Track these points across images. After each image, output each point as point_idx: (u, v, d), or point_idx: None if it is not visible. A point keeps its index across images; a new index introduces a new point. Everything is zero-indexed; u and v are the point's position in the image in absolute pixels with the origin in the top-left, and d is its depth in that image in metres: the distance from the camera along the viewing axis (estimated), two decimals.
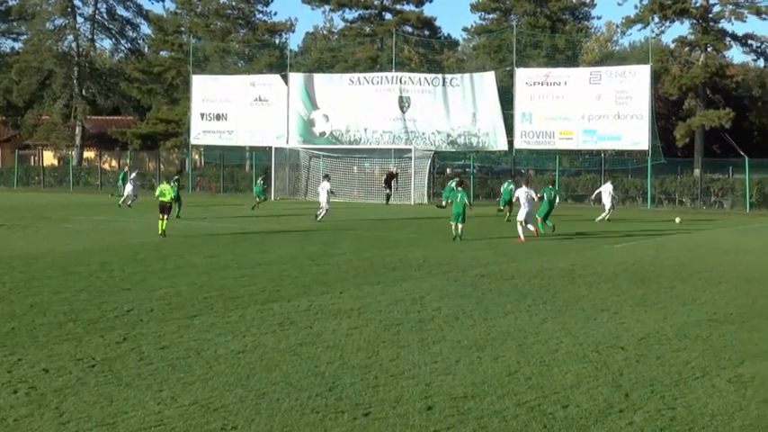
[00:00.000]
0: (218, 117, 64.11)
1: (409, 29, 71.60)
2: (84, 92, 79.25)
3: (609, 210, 39.41)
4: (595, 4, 72.54)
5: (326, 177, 40.04)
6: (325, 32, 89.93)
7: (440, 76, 60.16)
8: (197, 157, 73.01)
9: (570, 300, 16.62)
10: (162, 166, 71.27)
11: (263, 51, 71.19)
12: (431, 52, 70.76)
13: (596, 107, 53.95)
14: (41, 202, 51.58)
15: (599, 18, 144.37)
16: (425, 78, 59.61)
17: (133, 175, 47.58)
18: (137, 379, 10.48)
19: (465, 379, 10.65)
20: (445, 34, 76.33)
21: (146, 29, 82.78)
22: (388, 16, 72.58)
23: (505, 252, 25.34)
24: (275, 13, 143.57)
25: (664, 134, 59.14)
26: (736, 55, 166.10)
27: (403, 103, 59.02)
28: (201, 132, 64.97)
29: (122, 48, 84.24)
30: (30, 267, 20.47)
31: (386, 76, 60.13)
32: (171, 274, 19.67)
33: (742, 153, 56.12)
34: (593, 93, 54.14)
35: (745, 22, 63.74)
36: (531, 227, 29.52)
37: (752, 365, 11.56)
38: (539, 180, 52.49)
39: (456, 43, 79.97)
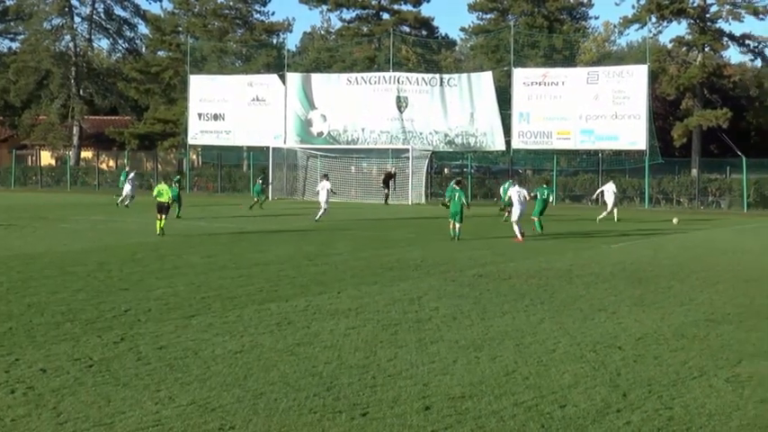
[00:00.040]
0: (216, 117, 64.10)
1: (407, 29, 71.63)
2: (81, 92, 79.20)
3: (611, 209, 39.48)
4: (593, 4, 72.67)
5: (326, 176, 40.10)
6: (322, 32, 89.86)
7: (437, 76, 60.19)
8: (194, 157, 73.00)
9: (568, 300, 16.63)
10: (159, 166, 71.27)
11: (261, 51, 71.18)
12: (428, 52, 70.76)
13: (594, 107, 54.00)
14: (39, 202, 51.56)
15: (596, 18, 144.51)
16: (423, 78, 59.64)
17: (131, 175, 47.51)
18: (134, 379, 10.47)
19: (463, 379, 10.65)
20: (443, 34, 76.35)
21: (143, 29, 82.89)
22: (385, 16, 72.60)
23: (503, 252, 25.35)
24: (273, 13, 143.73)
25: (661, 134, 59.17)
26: (733, 55, 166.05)
27: (400, 103, 59.04)
28: (199, 132, 64.97)
29: (120, 48, 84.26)
30: (27, 267, 20.46)
31: (383, 76, 60.15)
32: (169, 274, 19.66)
33: (739, 153, 56.15)
34: (591, 93, 54.19)
35: (743, 22, 63.96)
36: (518, 231, 29.34)
37: (749, 365, 11.57)
38: (536, 180, 52.48)
39: (453, 43, 80.00)
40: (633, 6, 64.60)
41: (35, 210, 42.60)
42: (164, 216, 29.65)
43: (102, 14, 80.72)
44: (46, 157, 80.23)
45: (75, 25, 79.75)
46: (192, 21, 76.08)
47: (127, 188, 45.53)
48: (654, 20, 63.49)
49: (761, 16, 62.05)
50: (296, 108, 61.75)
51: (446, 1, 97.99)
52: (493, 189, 53.68)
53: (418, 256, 23.88)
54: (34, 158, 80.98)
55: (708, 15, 63.59)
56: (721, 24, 64.16)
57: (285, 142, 61.08)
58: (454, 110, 58.00)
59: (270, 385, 10.25)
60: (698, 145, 63.47)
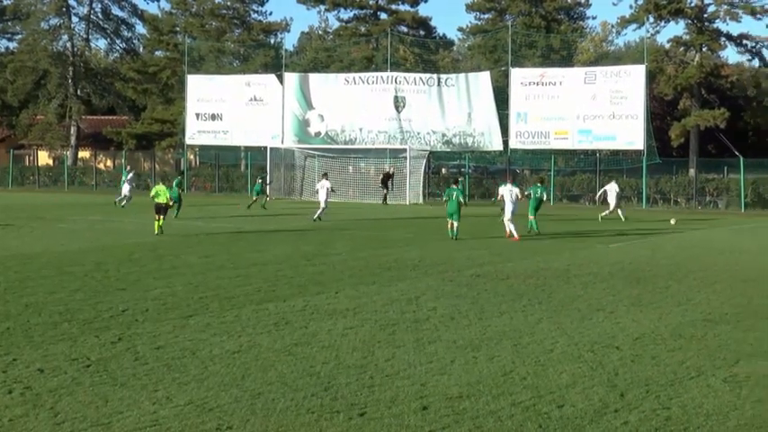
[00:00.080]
0: (214, 117, 64.08)
1: (404, 29, 71.66)
2: (79, 92, 79.17)
3: (614, 209, 39.64)
4: (590, 4, 72.71)
5: (325, 175, 40.22)
6: (320, 32, 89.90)
7: (435, 76, 60.21)
8: (192, 157, 72.98)
9: (566, 300, 16.63)
10: (157, 166, 71.26)
11: (259, 51, 71.18)
12: (426, 52, 70.79)
13: (591, 107, 54.04)
14: (36, 201, 51.53)
15: (594, 18, 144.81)
16: (421, 78, 59.65)
17: (130, 175, 47.45)
18: (132, 379, 10.47)
19: (460, 379, 10.65)
20: (440, 34, 76.46)
21: (141, 29, 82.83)
22: (383, 16, 72.60)
23: (501, 252, 25.36)
24: (270, 13, 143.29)
25: (659, 134, 59.21)
26: (730, 55, 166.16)
27: (398, 103, 59.06)
28: (197, 132, 64.96)
29: (117, 47, 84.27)
30: (25, 267, 20.45)
31: (381, 76, 60.15)
32: (166, 274, 19.66)
33: (737, 153, 56.21)
34: (589, 93, 54.23)
35: (740, 22, 64.09)
36: (513, 229, 29.35)
37: (747, 365, 11.58)
38: (533, 180, 52.44)
39: (451, 43, 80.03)
40: (631, 6, 64.88)
41: (32, 210, 42.58)
42: (162, 216, 29.65)
43: (99, 14, 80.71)
44: (43, 157, 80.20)
45: (72, 25, 79.75)
46: (189, 21, 76.07)
47: (125, 188, 45.52)
48: (651, 20, 63.59)
49: (758, 16, 62.18)
50: (293, 108, 61.75)
51: (444, 1, 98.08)
52: (491, 189, 53.66)
53: (416, 256, 23.89)
54: (32, 158, 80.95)
55: (705, 15, 63.66)
56: (719, 24, 64.34)
57: (283, 142, 61.09)
58: (452, 110, 58.02)
59: (267, 385, 10.24)
60: (695, 145, 63.53)
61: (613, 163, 57.74)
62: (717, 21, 63.76)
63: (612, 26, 76.42)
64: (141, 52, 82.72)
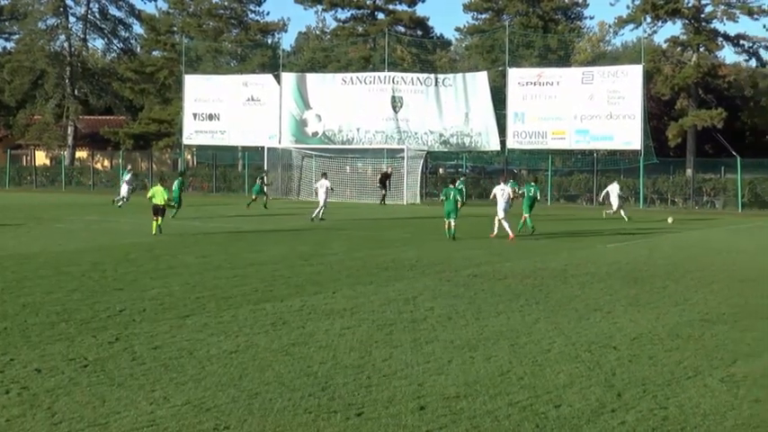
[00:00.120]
0: (211, 117, 64.07)
1: (402, 29, 71.64)
2: (76, 92, 79.14)
3: (617, 209, 39.78)
4: (588, 4, 72.71)
5: (324, 175, 40.32)
6: (317, 32, 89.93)
7: (432, 75, 60.23)
8: (189, 157, 72.95)
9: (563, 300, 16.64)
10: (154, 166, 71.23)
11: (256, 51, 71.16)
12: (423, 52, 70.81)
13: (589, 107, 54.06)
14: (33, 201, 51.50)
15: (591, 18, 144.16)
16: (418, 78, 59.66)
17: (128, 176, 47.38)
18: (129, 379, 10.46)
19: (457, 379, 10.66)
20: (438, 34, 76.45)
21: (138, 29, 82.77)
22: (380, 16, 72.59)
23: (498, 252, 25.37)
24: (268, 13, 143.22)
25: (656, 134, 59.26)
26: (728, 55, 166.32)
27: (395, 103, 59.06)
28: (194, 132, 64.94)
29: (115, 47, 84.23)
30: (22, 267, 20.43)
31: (378, 76, 60.16)
32: (163, 274, 19.65)
33: (734, 153, 56.27)
34: (586, 93, 54.25)
35: (737, 22, 64.14)
36: (507, 228, 29.38)
37: (744, 365, 11.59)
38: (527, 179, 52.50)
39: (448, 43, 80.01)
40: (628, 6, 64.81)
41: (30, 210, 42.55)
42: (159, 218, 29.63)
43: (96, 14, 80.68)
44: (41, 157, 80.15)
45: (69, 25, 79.72)
46: (186, 21, 76.03)
47: (124, 189, 45.54)
48: (649, 20, 63.61)
49: (755, 16, 62.21)
50: (291, 108, 61.75)
51: (441, 1, 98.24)
52: (488, 189, 53.58)
53: (413, 255, 23.89)
54: (29, 158, 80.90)
55: (702, 15, 63.71)
56: (716, 24, 64.39)
57: (280, 142, 61.08)
58: (449, 110, 58.03)
59: (265, 385, 10.24)
60: (693, 145, 63.58)
61: (611, 163, 57.77)
62: (714, 21, 63.84)
63: (610, 26, 76.33)
64: (138, 52, 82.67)
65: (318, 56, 72.42)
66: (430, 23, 74.30)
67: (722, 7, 62.51)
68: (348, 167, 59.08)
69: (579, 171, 58.59)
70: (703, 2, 63.48)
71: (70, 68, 78.48)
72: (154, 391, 9.98)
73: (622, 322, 14.42)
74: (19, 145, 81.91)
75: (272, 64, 65.91)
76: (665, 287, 18.53)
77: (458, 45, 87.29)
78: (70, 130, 78.53)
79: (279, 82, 61.98)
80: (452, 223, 28.90)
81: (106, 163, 77.60)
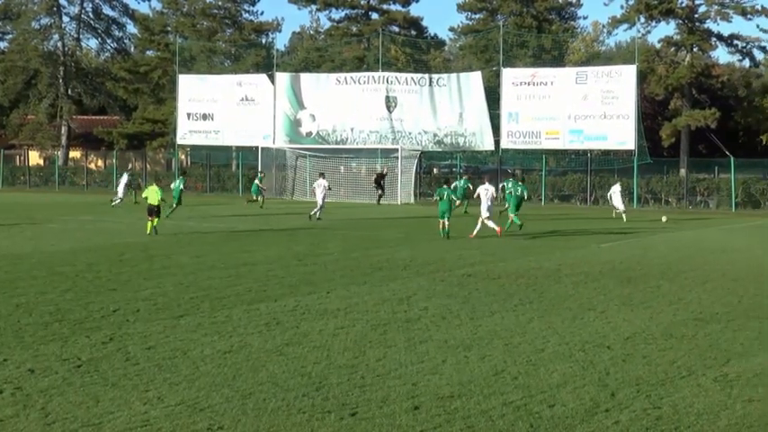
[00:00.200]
0: (205, 117, 63.99)
1: (396, 29, 71.63)
2: (69, 91, 79.02)
3: (622, 209, 40.00)
4: (581, 5, 72.87)
5: (322, 175, 40.61)
6: (311, 32, 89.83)
7: (426, 75, 60.19)
8: (183, 157, 72.88)
9: (557, 299, 16.65)
10: (148, 166, 71.14)
11: (250, 51, 71.12)
12: (417, 52, 70.77)
13: (582, 107, 54.08)
14: (27, 201, 51.41)
15: (585, 18, 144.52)
16: (412, 78, 59.63)
17: (125, 178, 47.29)
18: (123, 379, 10.45)
19: (451, 378, 10.66)
20: (432, 34, 76.36)
21: (132, 28, 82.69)
22: (374, 16, 72.59)
23: (492, 252, 25.38)
24: (262, 13, 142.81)
25: (650, 134, 59.28)
26: (721, 55, 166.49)
27: (390, 103, 59.03)
28: (188, 132, 64.87)
29: (108, 47, 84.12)
30: (15, 267, 20.40)
31: (372, 76, 60.13)
32: (157, 274, 19.63)
33: (727, 153, 56.33)
34: (580, 93, 54.27)
35: (731, 22, 64.08)
36: (493, 224, 29.44)
37: (737, 364, 11.61)
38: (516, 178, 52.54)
39: (443, 43, 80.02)
40: (622, 6, 64.88)
41: (23, 210, 42.47)
42: (155, 218, 29.60)
43: (90, 14, 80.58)
44: (34, 157, 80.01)
45: (63, 25, 79.58)
46: (180, 20, 75.95)
47: (120, 190, 45.61)
48: (642, 20, 63.67)
49: (749, 16, 62.30)
50: (285, 108, 61.71)
51: (435, 1, 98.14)
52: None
53: (407, 255, 23.89)
54: (22, 158, 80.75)
55: (696, 15, 63.79)
56: (709, 24, 64.49)
57: (274, 142, 61.03)
58: (443, 110, 58.02)
59: (259, 385, 10.24)
60: (686, 145, 63.64)
61: (604, 163, 57.84)
62: (707, 21, 63.94)
63: (603, 26, 76.55)
64: (132, 52, 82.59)
65: (312, 56, 72.37)
66: (424, 23, 74.39)
67: (716, 7, 62.59)
68: (342, 167, 59.04)
69: (573, 171, 58.63)
70: (697, 2, 63.58)
71: (64, 68, 78.36)
72: (148, 391, 9.97)
73: (616, 322, 14.44)
74: (12, 145, 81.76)
75: (266, 64, 65.86)
76: (658, 286, 18.55)
77: (452, 45, 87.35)
78: (64, 129, 78.42)
79: (273, 82, 61.92)
80: (446, 223, 28.98)
81: (100, 163, 77.46)
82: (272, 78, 62.17)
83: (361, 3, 71.83)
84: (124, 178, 47.16)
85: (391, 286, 18.10)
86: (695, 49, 64.50)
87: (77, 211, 41.46)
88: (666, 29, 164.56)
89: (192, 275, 19.32)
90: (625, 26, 65.17)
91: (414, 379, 10.60)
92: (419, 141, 58.58)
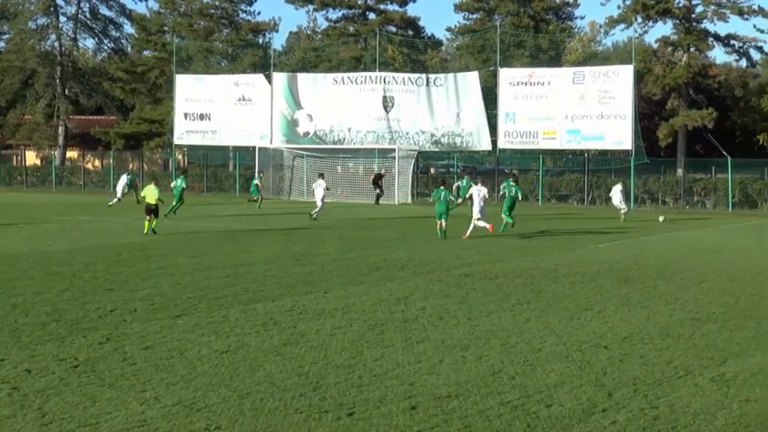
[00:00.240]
0: (202, 117, 63.94)
1: (393, 29, 71.60)
2: (66, 91, 78.92)
3: (624, 208, 39.94)
4: (579, 4, 72.77)
5: (321, 176, 40.76)
6: (308, 32, 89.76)
7: (424, 75, 60.17)
8: (180, 157, 72.82)
9: (554, 299, 16.66)
10: (145, 166, 71.10)
11: (247, 51, 71.05)
12: (414, 52, 70.76)
13: (580, 107, 54.08)
14: (24, 201, 51.36)
15: (582, 18, 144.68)
16: (409, 78, 59.62)
17: (124, 178, 47.23)
18: (120, 379, 10.45)
19: (449, 378, 10.66)
20: (429, 34, 76.40)
21: (129, 28, 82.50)
22: (371, 16, 72.53)
23: (489, 252, 25.39)
24: (259, 13, 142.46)
25: (647, 134, 59.33)
26: (718, 55, 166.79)
27: (387, 103, 59.01)
28: (185, 132, 64.81)
29: (105, 47, 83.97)
30: (12, 267, 20.39)
31: (370, 76, 60.12)
32: (154, 274, 19.62)
33: (724, 153, 56.38)
34: (577, 93, 54.27)
35: (728, 22, 64.24)
36: (484, 223, 29.43)
37: (734, 364, 11.62)
38: (521, 180, 52.58)
39: (440, 43, 79.99)
40: (619, 6, 64.96)
41: (20, 210, 42.42)
42: (153, 218, 29.58)
43: (87, 14, 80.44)
44: (31, 157, 79.91)
45: (60, 25, 79.47)
46: (177, 20, 75.88)
47: (119, 190, 45.60)
48: (639, 20, 63.68)
49: (746, 16, 62.34)
50: (282, 108, 61.68)
51: (432, 1, 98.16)
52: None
53: (405, 255, 23.89)
54: (19, 158, 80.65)
55: (693, 15, 63.83)
56: (706, 24, 64.50)
57: (271, 142, 61.01)
58: (440, 110, 58.01)
59: (256, 385, 10.24)
60: (683, 145, 63.69)
61: (602, 163, 57.83)
62: (704, 21, 63.96)
63: (601, 26, 76.42)
64: (129, 52, 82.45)
65: (309, 56, 72.33)
66: (421, 23, 74.38)
67: (712, 7, 62.63)
68: (339, 167, 59.04)
69: (570, 171, 58.64)
70: (694, 2, 63.62)
71: (61, 68, 78.26)
72: (145, 391, 9.96)
73: (613, 322, 14.45)
74: (9, 145, 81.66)
75: (263, 64, 65.81)
76: (655, 286, 18.57)
77: (449, 45, 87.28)
78: (61, 129, 78.32)
79: (270, 82, 61.89)
80: (444, 223, 28.99)
81: (97, 163, 77.39)
82: (269, 78, 62.13)
83: (359, 3, 71.79)
84: (123, 178, 47.10)
85: (388, 286, 18.10)
86: (692, 49, 64.54)
87: (74, 211, 41.43)
88: (663, 29, 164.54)
89: (190, 275, 19.31)
90: (622, 26, 65.25)
91: (411, 379, 10.60)
92: (416, 141, 58.58)
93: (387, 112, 58.98)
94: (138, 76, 76.53)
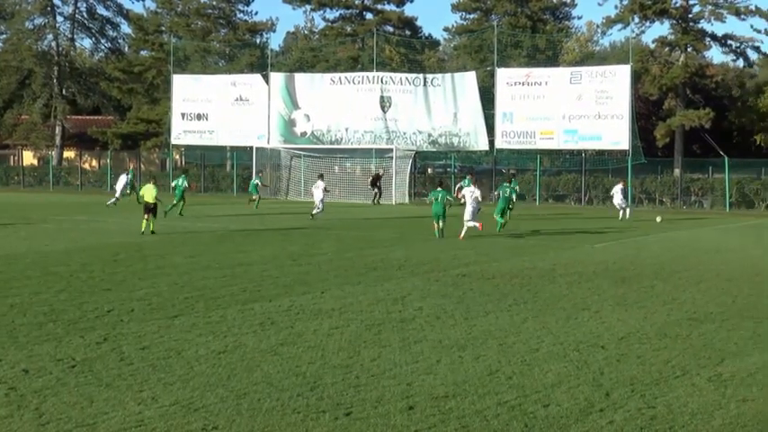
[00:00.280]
0: (199, 117, 63.89)
1: (390, 29, 71.58)
2: (64, 91, 78.84)
3: (626, 208, 39.92)
4: (576, 4, 72.84)
5: (321, 176, 40.81)
6: (306, 32, 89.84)
7: (421, 75, 60.14)
8: (178, 157, 72.78)
9: (551, 299, 16.66)
10: (142, 166, 71.05)
11: (244, 51, 71.03)
12: (412, 52, 70.77)
13: (577, 107, 54.06)
14: (21, 201, 51.32)
15: (579, 18, 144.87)
16: (406, 78, 59.60)
17: (123, 177, 47.21)
18: (117, 379, 10.44)
19: (446, 378, 10.66)
20: (426, 34, 76.36)
21: (126, 28, 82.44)
22: (369, 16, 72.54)
23: (486, 252, 25.39)
24: (256, 13, 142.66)
25: (644, 134, 59.34)
26: (715, 55, 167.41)
27: (384, 103, 58.99)
28: (182, 132, 64.76)
29: (102, 47, 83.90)
30: (9, 268, 20.37)
31: (367, 76, 60.10)
32: (152, 274, 19.61)
33: (722, 153, 56.41)
34: (574, 93, 54.25)
35: (725, 22, 64.15)
36: (474, 223, 29.40)
37: (731, 364, 11.63)
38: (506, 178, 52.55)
39: (437, 43, 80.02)
40: (616, 6, 64.89)
41: (17, 210, 42.38)
42: (152, 218, 29.56)
43: (84, 14, 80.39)
44: (28, 157, 79.85)
45: (57, 24, 79.37)
46: (175, 20, 75.83)
47: (118, 190, 45.61)
48: (636, 20, 63.74)
49: (742, 16, 62.37)
50: (279, 108, 61.64)
51: (429, 1, 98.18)
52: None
53: (402, 255, 23.89)
54: (16, 158, 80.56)
55: (690, 16, 63.88)
56: (703, 25, 64.60)
57: (269, 142, 60.97)
58: (438, 110, 57.99)
59: (253, 385, 10.23)
60: (680, 145, 63.73)
61: (599, 163, 57.85)
62: (701, 21, 64.05)
63: (598, 26, 76.71)
64: (126, 52, 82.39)
65: (307, 56, 72.30)
66: (418, 23, 74.41)
67: (710, 7, 62.67)
68: (337, 167, 59.02)
69: (567, 171, 58.62)
70: (691, 2, 63.67)
71: (58, 68, 78.19)
72: (142, 391, 9.96)
73: (610, 321, 14.46)
74: (6, 145, 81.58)
75: (261, 64, 65.77)
76: (652, 286, 18.57)
77: (446, 45, 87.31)
78: (58, 129, 78.25)
79: (267, 82, 61.84)
80: (440, 224, 29.02)
81: (94, 163, 77.32)
82: (266, 78, 62.09)
83: (356, 3, 71.79)
84: (123, 178, 47.09)
85: (386, 286, 18.10)
86: (689, 49, 64.58)
87: (72, 211, 41.40)
88: (660, 29, 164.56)
89: (187, 275, 19.31)
90: (619, 26, 65.28)
91: (408, 379, 10.61)
92: (414, 141, 58.56)
93: (384, 112, 58.95)
94: (135, 76, 76.51)
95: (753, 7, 62.49)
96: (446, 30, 76.37)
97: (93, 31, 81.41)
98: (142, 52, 79.60)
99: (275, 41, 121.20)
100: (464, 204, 30.32)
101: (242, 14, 76.17)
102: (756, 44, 65.06)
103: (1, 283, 17.81)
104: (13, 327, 13.42)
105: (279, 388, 10.12)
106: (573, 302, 16.32)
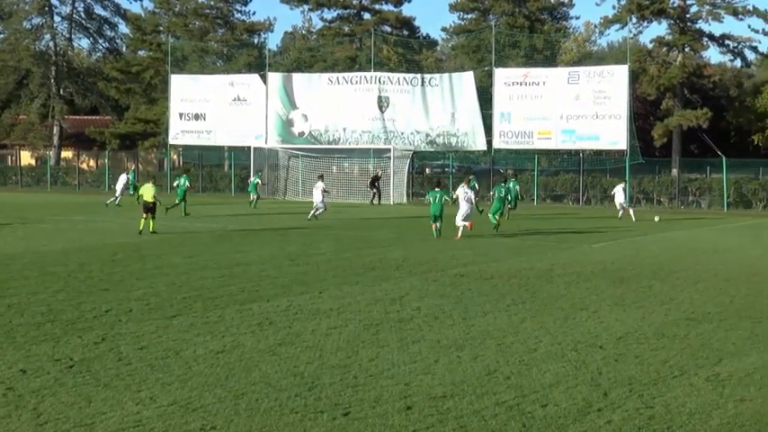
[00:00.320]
0: (197, 117, 63.87)
1: (388, 29, 71.59)
2: (61, 91, 78.79)
3: (627, 208, 39.93)
4: (574, 4, 72.83)
5: (320, 177, 40.89)
6: (303, 32, 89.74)
7: (419, 75, 60.15)
8: (175, 157, 72.76)
9: (549, 299, 16.67)
10: (140, 166, 71.01)
11: (242, 51, 71.03)
12: (410, 52, 70.75)
13: (575, 107, 54.09)
14: (18, 201, 51.27)
15: (577, 18, 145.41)
16: (404, 78, 59.60)
17: (123, 177, 47.19)
18: (115, 379, 10.44)
19: (444, 378, 10.66)
20: (424, 34, 76.34)
21: (124, 28, 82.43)
22: (366, 16, 72.53)
23: (485, 252, 25.39)
24: (254, 13, 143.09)
25: (642, 134, 59.36)
26: (713, 55, 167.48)
27: (382, 103, 58.99)
28: (180, 132, 64.75)
29: (100, 47, 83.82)
30: (7, 268, 20.35)
31: (365, 76, 60.10)
32: (150, 274, 19.60)
33: (719, 153, 56.43)
34: (572, 93, 54.28)
35: (722, 22, 64.34)
36: (464, 222, 29.35)
37: (729, 364, 11.64)
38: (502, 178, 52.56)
39: (435, 43, 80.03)
40: (614, 6, 64.96)
41: (15, 210, 42.35)
42: (150, 215, 29.55)
43: (82, 14, 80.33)
44: (26, 157, 79.79)
45: (55, 24, 79.33)
46: (172, 20, 75.80)
47: (118, 190, 45.60)
48: (634, 20, 63.77)
49: (740, 16, 62.40)
50: (277, 108, 61.63)
51: (427, 1, 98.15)
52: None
53: (400, 255, 23.89)
54: (14, 158, 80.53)
55: (688, 16, 63.90)
56: (701, 25, 64.65)
57: (266, 142, 60.97)
58: (435, 110, 58.01)
59: (251, 385, 10.23)
60: (678, 145, 63.75)
61: (596, 163, 57.89)
62: (699, 21, 64.07)
63: (595, 26, 76.54)
64: (124, 52, 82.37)
65: (304, 56, 72.29)
66: (416, 23, 74.35)
67: (707, 7, 62.69)
68: (334, 167, 59.00)
69: (565, 171, 58.66)
70: (689, 2, 63.70)
71: (55, 68, 78.14)
72: (140, 391, 9.96)
73: (608, 321, 14.46)
74: (4, 145, 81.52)
75: (259, 64, 65.76)
76: (650, 286, 18.58)
77: (444, 45, 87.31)
78: (55, 129, 78.22)
79: (265, 82, 61.84)
80: (439, 224, 29.04)
81: (92, 163, 77.26)
82: (264, 78, 62.08)
83: (354, 3, 71.77)
84: (123, 178, 47.09)
85: (384, 286, 18.10)
86: (687, 49, 64.61)
87: (69, 211, 41.37)
88: (658, 29, 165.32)
89: (185, 275, 19.30)
90: (617, 26, 65.32)
91: (406, 379, 10.61)
92: (411, 141, 58.57)
93: (382, 112, 58.96)
94: (133, 76, 76.46)
95: (750, 7, 62.62)
96: (444, 30, 76.45)
97: (91, 30, 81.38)
98: (140, 52, 79.57)
99: (273, 41, 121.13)
100: (457, 203, 30.30)
101: (240, 14, 76.18)
102: (754, 44, 65.18)
103: None
104: (10, 327, 13.41)
105: (277, 388, 10.12)
106: (571, 302, 16.32)
